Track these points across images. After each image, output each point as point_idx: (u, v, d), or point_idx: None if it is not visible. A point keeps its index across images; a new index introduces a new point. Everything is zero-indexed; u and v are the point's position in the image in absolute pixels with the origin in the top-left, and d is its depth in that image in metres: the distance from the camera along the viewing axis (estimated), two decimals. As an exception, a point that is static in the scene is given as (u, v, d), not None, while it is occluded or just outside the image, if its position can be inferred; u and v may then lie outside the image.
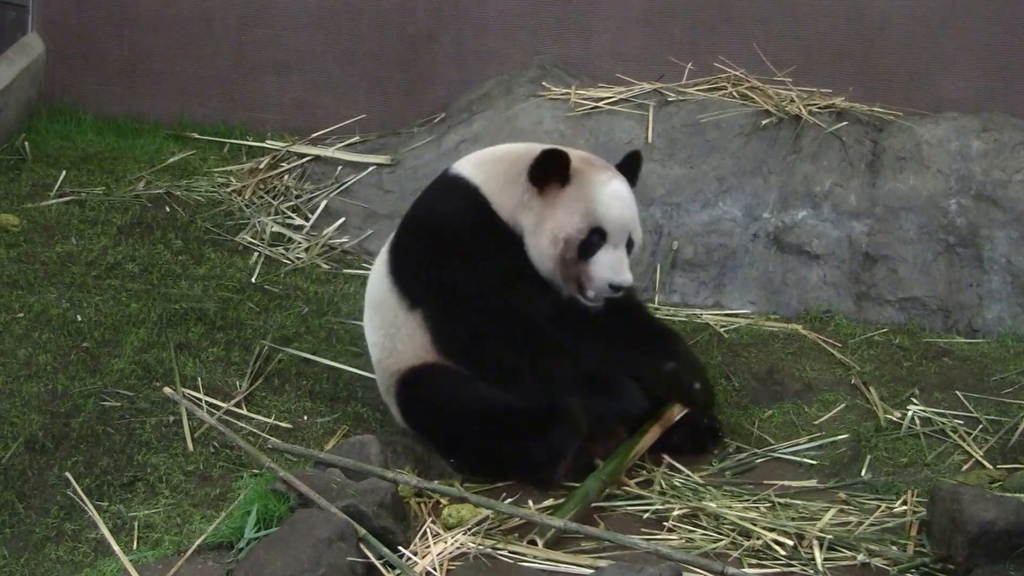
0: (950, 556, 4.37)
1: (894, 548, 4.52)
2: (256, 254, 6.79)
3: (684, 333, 5.89)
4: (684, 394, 5.18)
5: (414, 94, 8.17)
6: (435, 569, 4.21)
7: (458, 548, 4.33)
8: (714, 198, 6.94)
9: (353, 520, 4.21)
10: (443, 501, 4.65)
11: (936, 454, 5.29)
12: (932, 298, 6.66)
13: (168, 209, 7.07)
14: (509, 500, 4.70)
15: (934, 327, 6.60)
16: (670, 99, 7.32)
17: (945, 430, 5.44)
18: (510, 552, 4.34)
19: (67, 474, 4.71)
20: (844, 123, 7.13)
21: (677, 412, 5.19)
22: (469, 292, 5.01)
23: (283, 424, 5.26)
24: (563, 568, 4.29)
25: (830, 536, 4.55)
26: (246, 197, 7.30)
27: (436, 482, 4.76)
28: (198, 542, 4.32)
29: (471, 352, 5.01)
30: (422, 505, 4.65)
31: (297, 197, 7.33)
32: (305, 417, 5.35)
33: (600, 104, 7.30)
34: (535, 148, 5.18)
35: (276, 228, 7.05)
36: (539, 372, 4.93)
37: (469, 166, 5.27)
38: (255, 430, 5.15)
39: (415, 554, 4.28)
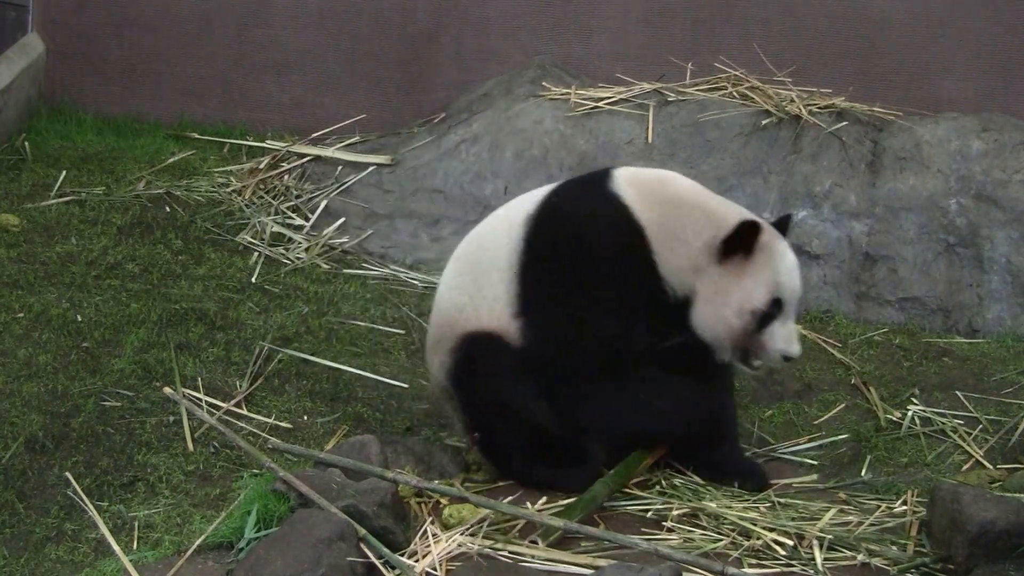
0: (950, 556, 4.37)
1: (894, 548, 4.52)
2: (256, 254, 6.79)
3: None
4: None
5: (414, 94, 8.17)
6: (435, 569, 4.21)
7: (458, 548, 4.32)
8: (714, 198, 6.94)
9: (353, 520, 4.21)
10: (443, 501, 4.65)
11: (936, 454, 5.29)
12: (932, 298, 6.66)
13: (168, 209, 7.07)
14: (509, 500, 4.70)
15: (934, 327, 6.60)
16: (670, 99, 7.32)
17: (945, 430, 5.44)
18: (510, 552, 4.34)
19: (67, 474, 4.71)
20: (844, 123, 7.14)
21: None
22: (598, 333, 4.86)
23: (283, 424, 5.25)
24: (563, 568, 4.28)
25: (830, 536, 4.54)
26: (246, 197, 7.30)
27: (436, 482, 4.76)
28: (198, 542, 4.32)
29: (566, 370, 4.88)
30: (422, 505, 4.65)
31: (297, 197, 7.34)
32: (305, 417, 5.35)
33: (600, 104, 7.31)
34: (717, 211, 4.92)
35: (276, 228, 7.05)
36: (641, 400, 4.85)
37: (639, 200, 4.91)
38: (255, 430, 5.15)
39: (415, 554, 4.28)
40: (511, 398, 4.90)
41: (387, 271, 6.87)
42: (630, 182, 4.96)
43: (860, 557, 4.45)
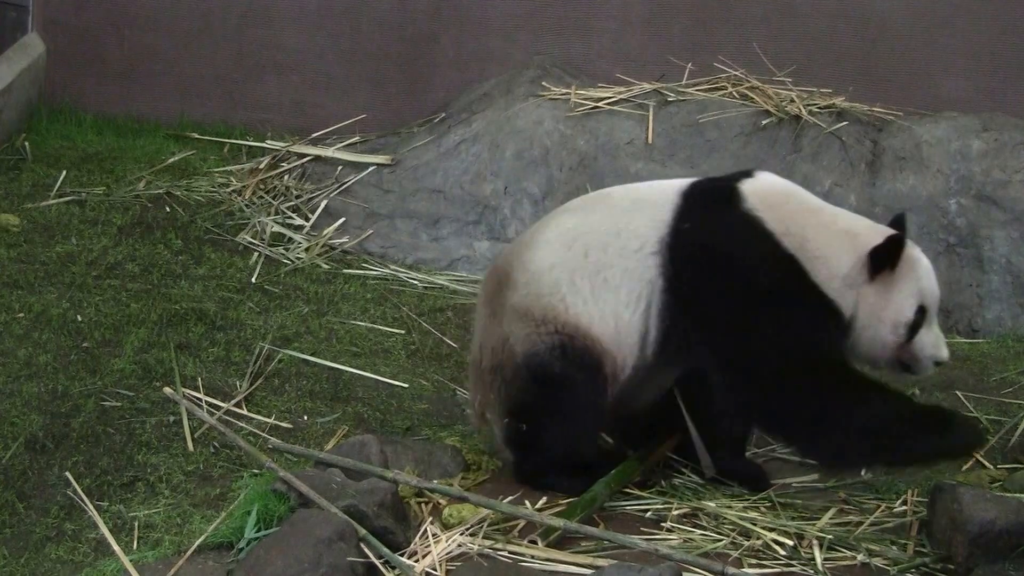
0: (950, 556, 4.37)
1: (894, 548, 4.52)
2: (256, 254, 6.79)
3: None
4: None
5: (414, 94, 8.17)
6: (435, 569, 4.21)
7: (458, 548, 4.32)
8: (714, 198, 6.94)
9: (353, 520, 4.21)
10: (443, 501, 4.65)
11: (936, 454, 5.28)
12: (932, 298, 6.66)
13: (168, 209, 7.07)
14: (509, 500, 4.70)
15: (934, 327, 6.60)
16: (670, 99, 7.32)
17: (945, 430, 5.43)
18: (510, 552, 4.34)
19: (67, 474, 4.71)
20: (844, 123, 7.14)
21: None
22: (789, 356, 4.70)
23: (283, 424, 5.25)
24: (563, 568, 4.28)
25: (830, 536, 4.55)
26: (246, 197, 7.30)
27: (436, 482, 4.76)
28: (198, 542, 4.32)
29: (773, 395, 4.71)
30: (422, 505, 4.65)
31: (297, 197, 7.34)
32: (305, 417, 5.35)
33: (600, 104, 7.31)
34: (850, 227, 4.83)
35: (276, 228, 7.05)
36: (863, 413, 4.66)
37: (778, 222, 4.78)
38: (255, 430, 5.15)
39: (415, 554, 4.28)
40: (581, 412, 4.85)
41: (387, 271, 6.87)
42: (764, 203, 4.82)
43: (860, 557, 4.45)
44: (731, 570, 4.17)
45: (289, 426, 5.25)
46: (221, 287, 6.34)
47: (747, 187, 4.88)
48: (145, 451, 4.94)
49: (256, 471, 4.76)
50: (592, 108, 7.28)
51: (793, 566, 4.40)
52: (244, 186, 7.40)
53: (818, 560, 4.42)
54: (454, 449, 5.15)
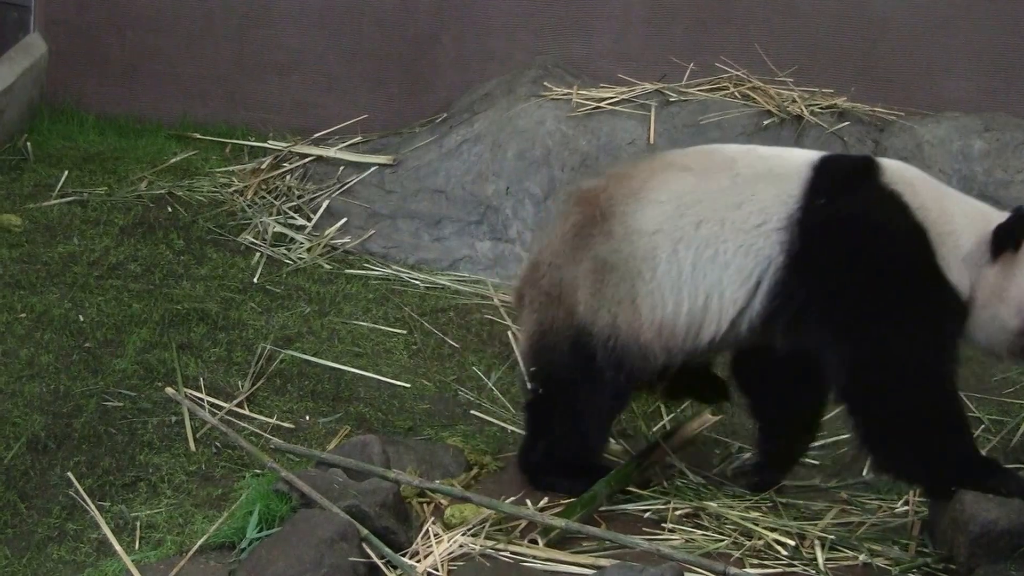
0: (952, 556, 4.37)
1: (896, 548, 4.52)
2: (258, 254, 6.79)
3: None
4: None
5: (416, 94, 8.17)
6: (437, 569, 4.22)
7: (460, 548, 4.33)
8: (716, 198, 6.94)
9: (355, 520, 4.21)
10: (445, 501, 4.65)
11: (938, 454, 5.28)
12: (934, 298, 6.65)
13: (170, 209, 7.07)
14: (510, 500, 4.70)
15: (936, 327, 6.59)
16: (672, 99, 7.32)
17: (947, 430, 5.43)
18: (512, 552, 4.34)
19: (69, 474, 4.71)
20: (846, 123, 7.14)
21: (694, 428, 5.18)
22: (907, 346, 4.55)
23: (285, 424, 5.26)
24: (565, 568, 4.29)
25: (832, 536, 4.55)
26: (248, 197, 7.30)
27: (438, 482, 4.76)
28: (200, 542, 4.32)
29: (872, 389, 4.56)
30: (424, 505, 4.65)
31: (299, 197, 7.34)
32: (307, 417, 5.35)
33: (602, 104, 7.30)
34: (973, 208, 4.71)
35: (278, 228, 7.05)
36: (947, 438, 4.54)
37: (916, 200, 4.63)
38: (257, 430, 5.16)
39: (417, 554, 4.28)
40: (601, 414, 4.83)
41: (389, 271, 6.87)
42: (902, 177, 4.68)
43: (862, 557, 4.45)
44: (733, 570, 4.18)
45: (291, 426, 5.25)
46: (223, 287, 6.34)
47: (885, 161, 4.76)
48: (147, 451, 4.94)
49: (258, 471, 4.76)
50: (594, 108, 7.28)
51: (795, 566, 4.41)
52: (246, 186, 7.40)
53: (820, 560, 4.42)
54: (456, 449, 5.15)
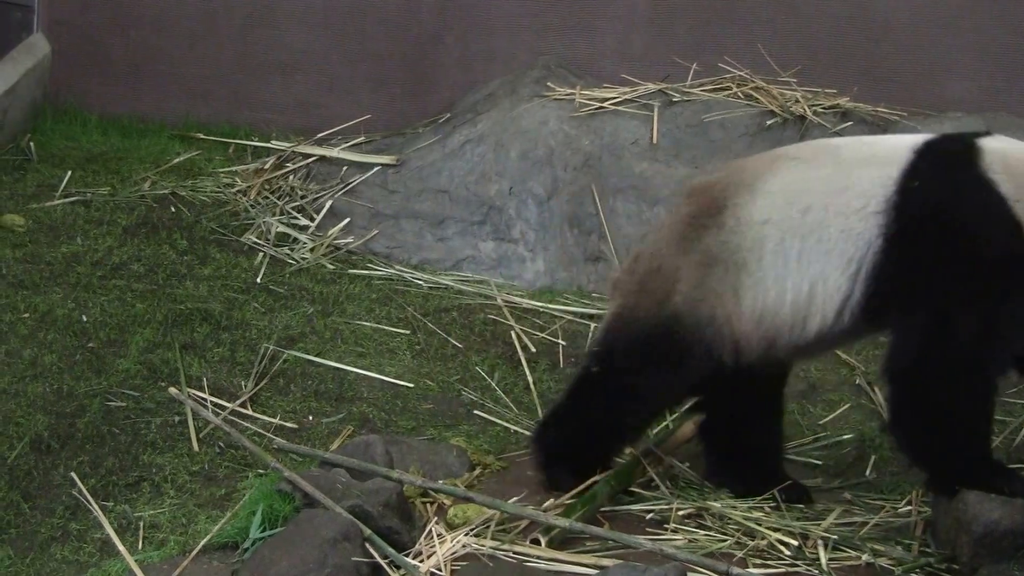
0: (955, 556, 4.37)
1: (899, 548, 4.52)
2: (261, 254, 6.79)
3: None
4: None
5: (419, 94, 8.17)
6: (440, 569, 4.22)
7: (463, 548, 4.33)
8: (719, 198, 6.93)
9: (358, 520, 4.22)
10: (448, 501, 4.65)
11: (941, 454, 5.28)
12: (937, 298, 6.64)
13: (173, 209, 7.08)
14: (514, 500, 4.71)
15: (939, 327, 6.58)
16: (675, 99, 7.32)
17: (950, 430, 5.42)
18: (515, 552, 4.34)
19: (72, 474, 4.72)
20: (849, 123, 7.13)
21: (694, 428, 5.18)
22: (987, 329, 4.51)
23: (288, 424, 5.26)
24: (568, 568, 4.29)
25: (835, 536, 4.55)
26: (251, 197, 7.30)
27: (441, 482, 4.77)
28: (203, 542, 4.32)
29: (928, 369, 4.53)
30: (427, 505, 4.65)
31: (302, 197, 7.34)
32: (310, 417, 5.36)
33: (605, 104, 7.30)
34: None
35: (281, 228, 7.05)
36: (970, 432, 4.57)
37: (1016, 189, 4.52)
38: (260, 430, 5.16)
39: (420, 554, 4.28)
40: (665, 393, 4.83)
41: (392, 271, 6.87)
42: (1003, 164, 4.56)
43: (865, 557, 4.45)
44: (736, 570, 4.18)
45: (294, 426, 5.26)
46: (226, 287, 6.35)
47: (988, 145, 4.65)
48: (150, 451, 4.95)
49: (261, 471, 4.76)
50: (597, 108, 7.28)
51: (798, 566, 4.41)
52: (249, 186, 7.40)
53: (823, 560, 4.42)
54: (459, 449, 5.16)
